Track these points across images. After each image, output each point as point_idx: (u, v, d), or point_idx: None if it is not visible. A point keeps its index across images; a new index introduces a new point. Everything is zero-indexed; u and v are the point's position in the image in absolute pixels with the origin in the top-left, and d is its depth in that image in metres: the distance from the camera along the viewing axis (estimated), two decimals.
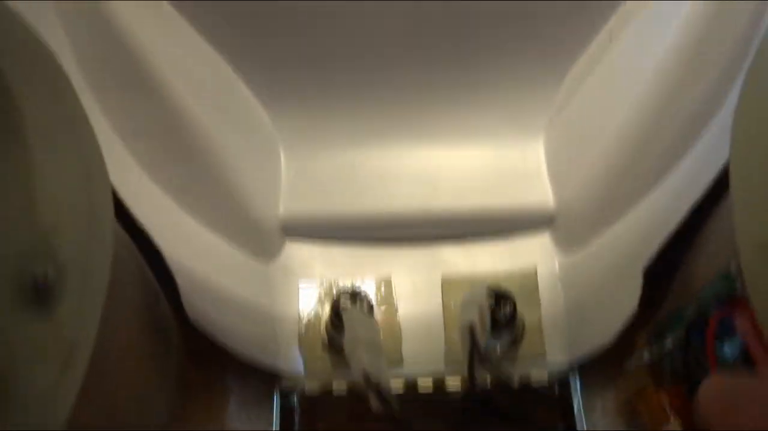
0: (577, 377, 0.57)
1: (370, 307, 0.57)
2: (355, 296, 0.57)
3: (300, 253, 0.63)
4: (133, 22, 0.57)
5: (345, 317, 0.54)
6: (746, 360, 0.38)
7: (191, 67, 0.60)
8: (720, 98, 0.55)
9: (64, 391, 0.33)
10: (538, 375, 0.57)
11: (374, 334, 0.53)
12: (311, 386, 0.56)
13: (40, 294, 0.33)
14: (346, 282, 0.61)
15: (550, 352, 0.58)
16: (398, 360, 0.58)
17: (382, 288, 0.61)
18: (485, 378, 0.54)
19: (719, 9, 0.53)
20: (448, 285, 0.61)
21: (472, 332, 0.50)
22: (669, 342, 0.46)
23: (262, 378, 0.58)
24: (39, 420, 0.32)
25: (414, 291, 0.61)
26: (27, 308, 0.33)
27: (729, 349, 0.40)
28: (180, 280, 0.54)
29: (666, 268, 0.54)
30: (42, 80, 0.38)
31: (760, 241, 0.31)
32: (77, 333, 0.34)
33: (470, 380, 0.52)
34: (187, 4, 0.60)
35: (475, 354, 0.50)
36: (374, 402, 0.49)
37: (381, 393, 0.48)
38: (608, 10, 0.60)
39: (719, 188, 0.49)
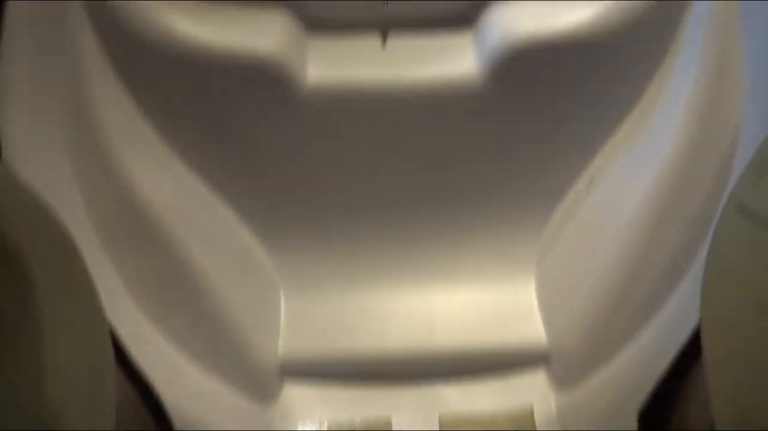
0: None
1: None
2: None
3: (299, 394, 0.64)
4: (140, 175, 0.61)
5: None
6: None
7: (197, 215, 0.64)
8: (698, 241, 0.57)
9: None
10: None
11: None
12: None
13: None
14: (344, 424, 0.61)
15: None
16: None
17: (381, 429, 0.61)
18: None
19: (692, 158, 0.57)
20: (446, 425, 0.61)
21: None
22: None
23: None
24: None
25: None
26: None
27: None
28: (179, 427, 0.54)
29: (659, 410, 0.55)
30: (54, 254, 0.42)
31: (736, 418, 0.33)
32: None
33: None
34: (195, 160, 0.64)
35: None
36: None
37: None
38: (584, 159, 0.65)
39: None
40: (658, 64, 0.60)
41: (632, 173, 0.61)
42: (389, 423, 0.62)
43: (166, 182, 0.63)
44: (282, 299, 0.68)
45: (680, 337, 0.54)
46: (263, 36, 0.60)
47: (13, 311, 0.39)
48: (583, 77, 0.61)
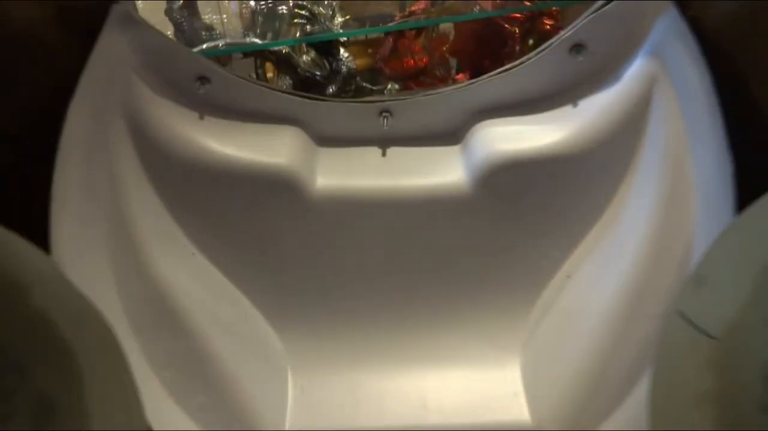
0: None
1: None
2: None
3: None
4: (169, 272, 0.69)
5: None
6: None
7: (216, 306, 0.72)
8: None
9: None
10: None
11: None
12: None
13: None
14: None
15: None
16: None
17: None
18: None
19: (653, 262, 0.64)
20: None
21: None
22: None
23: None
24: None
25: None
26: None
27: None
28: None
29: None
30: (97, 345, 0.49)
31: None
32: None
33: None
34: (215, 255, 0.73)
35: None
36: None
37: None
38: (560, 257, 0.73)
39: None
40: (621, 179, 0.69)
41: (603, 273, 0.69)
42: None
43: (191, 277, 0.71)
44: (289, 379, 0.75)
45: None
46: (279, 150, 0.69)
47: (63, 394, 0.46)
48: (555, 189, 0.70)
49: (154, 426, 0.62)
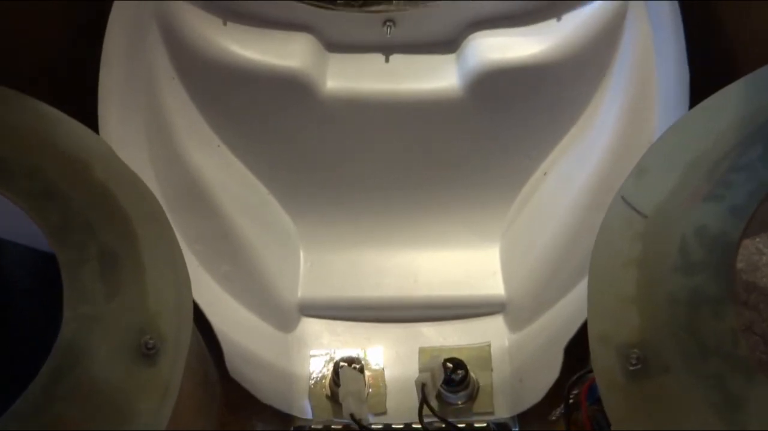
0: (516, 423, 0.75)
1: (361, 368, 0.77)
2: (351, 360, 0.77)
3: (312, 327, 0.84)
4: (198, 161, 0.80)
5: (341, 374, 0.74)
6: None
7: (238, 190, 0.84)
8: None
9: (162, 416, 0.53)
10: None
11: (361, 387, 0.73)
12: (317, 424, 0.76)
13: (148, 353, 0.54)
14: (346, 351, 0.80)
15: (497, 409, 0.76)
16: (383, 411, 0.77)
17: (374, 356, 0.80)
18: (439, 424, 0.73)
19: (618, 160, 0.74)
20: (423, 355, 0.81)
21: (422, 388, 0.70)
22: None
23: (280, 421, 0.77)
24: None
25: (397, 359, 0.81)
26: (140, 361, 0.53)
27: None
28: (224, 346, 0.74)
29: (581, 345, 0.73)
30: (148, 214, 0.60)
31: (600, 335, 0.51)
32: (170, 377, 0.54)
33: (420, 421, 0.72)
34: (237, 147, 0.84)
35: (424, 403, 0.71)
36: None
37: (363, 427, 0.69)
38: (540, 155, 0.83)
39: None
40: (597, 86, 0.78)
41: (575, 169, 0.79)
42: (380, 352, 0.81)
43: (217, 166, 0.82)
44: (301, 255, 0.87)
45: None
46: (293, 55, 0.78)
47: (123, 249, 0.58)
48: (537, 94, 0.79)
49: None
